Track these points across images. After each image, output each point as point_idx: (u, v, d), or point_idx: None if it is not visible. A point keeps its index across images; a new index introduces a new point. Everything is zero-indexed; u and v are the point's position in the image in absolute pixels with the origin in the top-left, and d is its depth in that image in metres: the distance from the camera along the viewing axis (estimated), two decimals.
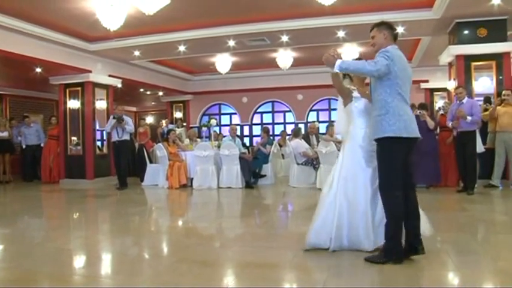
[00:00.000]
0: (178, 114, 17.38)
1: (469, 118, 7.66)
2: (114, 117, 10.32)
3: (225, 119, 17.20)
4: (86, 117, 11.78)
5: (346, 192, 4.04)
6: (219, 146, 10.45)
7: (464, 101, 7.95)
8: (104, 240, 5.26)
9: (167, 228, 6.12)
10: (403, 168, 3.77)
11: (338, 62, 3.69)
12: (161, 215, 7.57)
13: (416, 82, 14.76)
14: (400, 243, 3.68)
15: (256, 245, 4.72)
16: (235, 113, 16.98)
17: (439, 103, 13.40)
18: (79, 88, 11.81)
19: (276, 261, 3.98)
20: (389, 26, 3.90)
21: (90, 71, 11.63)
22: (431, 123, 8.63)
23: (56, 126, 12.45)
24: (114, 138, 10.33)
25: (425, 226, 3.93)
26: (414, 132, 3.77)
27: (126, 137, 10.40)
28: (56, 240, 5.16)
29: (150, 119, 22.20)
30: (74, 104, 11.90)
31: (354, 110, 4.19)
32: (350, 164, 4.10)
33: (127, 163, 10.68)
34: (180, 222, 6.63)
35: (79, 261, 4.29)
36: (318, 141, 10.08)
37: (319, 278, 3.56)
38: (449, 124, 8.16)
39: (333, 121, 14.55)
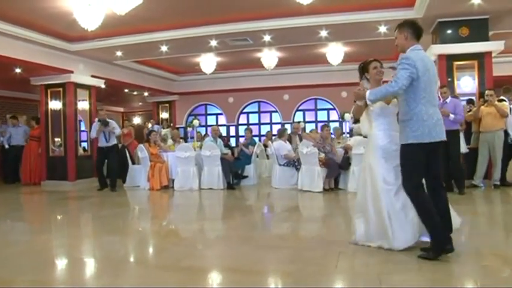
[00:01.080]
0: (164, 115, 17.27)
1: (451, 116, 7.61)
2: (99, 120, 10.18)
3: (211, 120, 17.10)
4: (67, 118, 11.60)
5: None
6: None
7: (448, 100, 7.91)
8: (80, 244, 5.13)
9: (146, 230, 6.02)
10: (428, 169, 3.91)
11: (367, 95, 3.92)
12: (140, 217, 7.47)
13: None
14: (443, 236, 3.75)
15: (236, 247, 4.63)
16: (221, 114, 16.89)
17: None
18: (60, 89, 11.63)
19: (257, 266, 3.92)
20: (410, 25, 3.98)
21: (71, 72, 11.46)
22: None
23: (38, 127, 12.29)
24: (102, 143, 10.19)
25: (455, 220, 4.09)
26: (438, 136, 3.85)
27: (115, 141, 10.28)
28: (32, 244, 5.06)
29: (137, 120, 22.09)
30: (55, 104, 11.72)
31: (371, 113, 4.29)
32: (372, 163, 4.21)
33: (117, 165, 10.52)
34: (159, 225, 6.50)
35: (57, 265, 4.19)
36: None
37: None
38: None
39: (325, 121, 14.54)
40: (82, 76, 11.81)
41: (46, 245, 4.98)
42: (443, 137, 3.86)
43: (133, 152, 11.33)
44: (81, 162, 11.68)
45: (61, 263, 4.30)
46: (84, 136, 12.34)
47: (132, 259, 4.43)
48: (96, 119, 10.48)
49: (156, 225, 6.43)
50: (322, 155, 8.76)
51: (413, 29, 3.95)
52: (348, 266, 3.80)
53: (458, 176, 7.86)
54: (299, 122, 12.68)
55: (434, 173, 3.96)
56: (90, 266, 4.22)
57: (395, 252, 3.94)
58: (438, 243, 3.72)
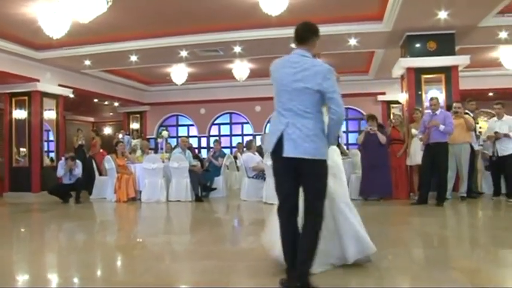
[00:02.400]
0: (135, 125, 17.04)
1: (441, 126, 7.65)
2: (66, 158, 9.95)
3: (182, 131, 16.94)
4: (33, 127, 11.30)
5: None
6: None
7: (437, 112, 7.95)
8: (38, 260, 4.86)
9: (108, 244, 5.80)
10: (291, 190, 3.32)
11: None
12: (103, 231, 7.21)
13: (373, 94, 14.95)
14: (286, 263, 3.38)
15: (200, 262, 4.47)
16: (192, 125, 16.74)
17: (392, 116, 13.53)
18: (26, 97, 11.35)
19: (221, 281, 3.79)
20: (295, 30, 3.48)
21: (37, 80, 11.19)
22: (382, 139, 8.62)
23: None
24: (65, 181, 9.92)
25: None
26: (270, 148, 3.33)
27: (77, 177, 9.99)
28: None
29: (108, 130, 21.74)
30: (20, 114, 11.41)
31: None
32: None
33: (83, 177, 10.23)
34: (122, 238, 6.30)
35: (12, 283, 3.95)
36: None
37: None
38: (419, 137, 8.10)
39: None
40: (49, 85, 11.54)
41: (1, 261, 4.74)
42: (285, 153, 3.19)
43: (101, 163, 11.08)
44: (47, 173, 11.33)
45: (17, 280, 4.08)
46: (51, 146, 12.04)
47: (91, 274, 4.24)
48: (63, 158, 10.24)
49: (118, 239, 6.23)
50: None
51: (295, 34, 3.48)
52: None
53: (442, 188, 7.86)
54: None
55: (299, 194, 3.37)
56: (45, 282, 4.01)
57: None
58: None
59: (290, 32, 9.49)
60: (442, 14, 7.97)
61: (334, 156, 3.97)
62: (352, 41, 9.62)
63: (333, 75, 3.25)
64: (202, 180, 9.91)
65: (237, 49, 10.07)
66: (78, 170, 9.86)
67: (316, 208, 3.25)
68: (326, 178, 3.30)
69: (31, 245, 5.89)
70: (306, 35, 3.43)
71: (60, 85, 11.95)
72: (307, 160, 3.17)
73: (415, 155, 8.60)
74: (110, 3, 6.31)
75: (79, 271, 4.34)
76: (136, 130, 16.53)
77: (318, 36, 3.49)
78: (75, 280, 4.04)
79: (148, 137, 16.39)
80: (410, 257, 4.54)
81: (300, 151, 3.17)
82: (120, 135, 14.67)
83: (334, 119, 3.24)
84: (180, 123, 17.12)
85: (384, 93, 14.86)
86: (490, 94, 14.75)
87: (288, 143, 3.20)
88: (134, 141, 14.47)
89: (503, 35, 9.29)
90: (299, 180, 3.28)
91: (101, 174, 10.83)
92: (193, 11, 8.28)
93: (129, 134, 15.69)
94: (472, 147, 8.48)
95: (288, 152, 3.19)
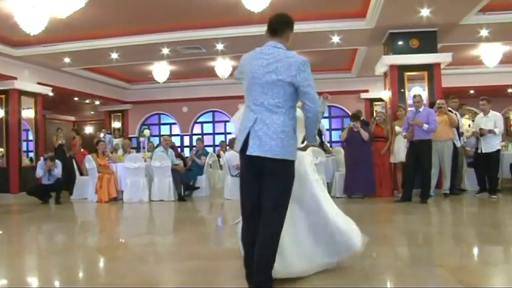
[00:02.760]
0: (116, 124, 16.81)
1: (425, 126, 7.66)
2: (45, 159, 9.73)
3: (164, 129, 16.76)
4: (10, 127, 11.06)
5: None
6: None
7: (421, 109, 7.94)
8: (16, 263, 4.70)
9: (89, 246, 5.64)
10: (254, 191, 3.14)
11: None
12: (84, 232, 7.04)
13: (356, 92, 14.97)
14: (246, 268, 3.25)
15: (183, 262, 4.37)
16: (175, 123, 16.58)
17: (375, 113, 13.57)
18: (3, 96, 11.09)
19: (204, 281, 3.70)
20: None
21: (15, 78, 10.94)
22: (365, 135, 8.60)
23: None
24: (45, 182, 9.67)
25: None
26: (238, 148, 3.17)
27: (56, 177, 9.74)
28: None
29: (89, 129, 21.45)
30: None
31: None
32: None
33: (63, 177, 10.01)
34: (103, 239, 6.15)
35: None
36: None
37: None
38: (403, 135, 8.09)
39: None
40: (27, 83, 11.29)
41: None
42: (249, 151, 3.02)
43: (82, 163, 10.87)
44: (26, 174, 11.09)
45: None
46: (31, 146, 11.79)
47: (71, 277, 4.11)
48: (42, 158, 10.02)
49: (100, 240, 6.08)
50: None
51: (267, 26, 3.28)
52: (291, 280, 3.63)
53: (426, 185, 7.89)
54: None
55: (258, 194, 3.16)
56: (24, 285, 3.86)
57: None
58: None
59: None
60: (425, 12, 8.00)
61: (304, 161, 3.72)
62: (335, 38, 9.60)
63: (308, 68, 3.07)
64: (185, 180, 9.78)
65: (219, 46, 9.97)
66: (58, 171, 9.65)
67: (273, 223, 3.03)
68: (289, 184, 3.11)
69: (9, 247, 5.71)
70: (279, 26, 3.23)
71: (39, 83, 11.72)
72: (272, 160, 2.98)
73: (399, 152, 8.63)
74: None
75: (59, 274, 4.22)
76: (118, 129, 16.31)
77: (292, 29, 3.31)
78: (56, 283, 3.93)
79: (130, 135, 16.18)
80: (395, 255, 4.51)
81: (264, 149, 2.98)
82: (102, 134, 14.47)
83: (309, 117, 3.11)
84: (162, 121, 16.95)
85: (367, 91, 14.90)
86: (471, 92, 14.90)
87: (254, 141, 3.01)
88: (116, 140, 14.27)
89: (483, 32, 9.38)
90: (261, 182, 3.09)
91: (81, 174, 10.63)
92: (174, 8, 8.17)
93: (110, 133, 15.46)
94: (454, 144, 8.51)
95: (252, 149, 3.00)
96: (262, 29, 8.88)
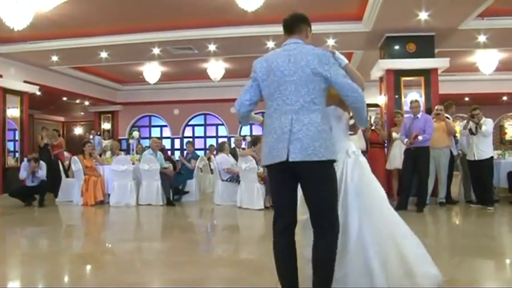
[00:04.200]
0: (106, 126, 16.50)
1: (420, 138, 7.45)
2: (28, 160, 9.40)
3: (155, 131, 16.50)
4: None
5: None
6: None
7: (419, 115, 7.75)
8: None
9: (70, 252, 5.34)
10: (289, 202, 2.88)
11: None
12: (67, 237, 6.73)
13: None
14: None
15: (175, 271, 4.13)
16: (166, 126, 16.31)
17: (372, 119, 13.34)
18: None
19: None
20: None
21: (0, 76, 10.60)
22: (361, 143, 8.38)
23: None
24: (28, 184, 9.35)
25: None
26: (279, 155, 2.73)
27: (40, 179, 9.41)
28: None
29: (79, 130, 21.14)
30: None
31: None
32: None
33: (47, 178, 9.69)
34: (86, 246, 5.87)
35: None
36: None
37: None
38: (404, 141, 7.80)
39: None
40: (12, 81, 10.96)
41: None
42: (291, 157, 2.67)
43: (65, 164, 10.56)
44: (10, 175, 10.75)
45: None
46: (17, 146, 11.45)
47: (52, 284, 3.86)
48: (26, 159, 9.71)
49: (83, 247, 5.80)
50: (261, 170, 8.27)
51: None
52: None
53: (423, 193, 7.68)
54: (245, 136, 12.32)
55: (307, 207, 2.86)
56: None
57: None
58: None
59: (267, 29, 9.24)
60: (423, 15, 7.80)
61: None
62: (330, 41, 9.38)
63: (335, 61, 2.87)
64: (174, 183, 9.50)
65: (212, 47, 9.71)
66: (42, 172, 9.32)
67: (329, 222, 2.78)
68: (336, 186, 2.87)
69: None
70: (295, 23, 2.98)
71: (25, 81, 11.38)
72: (315, 163, 2.68)
73: (395, 159, 8.41)
74: None
75: (40, 280, 4.01)
76: (108, 130, 16.00)
77: (309, 25, 3.04)
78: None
79: (120, 137, 15.89)
80: None
81: (308, 152, 2.66)
82: (91, 136, 14.18)
83: (358, 107, 2.85)
84: (153, 123, 16.69)
85: None
86: (466, 99, 14.78)
87: (293, 145, 2.68)
88: (105, 142, 13.99)
89: (481, 38, 9.22)
90: (301, 188, 2.82)
91: (67, 176, 10.30)
92: (165, 6, 7.89)
93: (100, 135, 15.17)
94: (451, 152, 8.31)
95: (295, 155, 2.67)
96: (256, 30, 8.84)
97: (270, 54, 2.94)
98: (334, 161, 2.79)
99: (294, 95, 2.75)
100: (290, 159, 2.67)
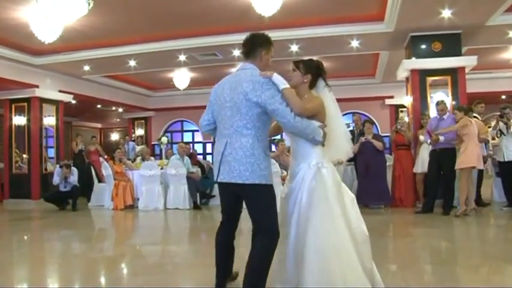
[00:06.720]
0: (139, 131, 16.87)
1: (441, 138, 7.33)
2: (60, 166, 9.80)
3: (187, 136, 16.74)
4: (32, 134, 11.18)
5: None
6: None
7: (445, 116, 7.61)
8: (23, 270, 4.61)
9: (99, 255, 5.48)
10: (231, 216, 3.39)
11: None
12: (96, 240, 6.93)
13: (381, 98, 14.57)
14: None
15: (203, 273, 4.12)
16: (197, 130, 16.51)
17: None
18: (25, 104, 11.23)
19: None
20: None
21: (36, 86, 11.06)
22: (378, 145, 8.30)
23: None
24: (61, 189, 9.77)
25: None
26: (223, 176, 3.09)
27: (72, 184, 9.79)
28: None
29: (115, 136, 21.67)
30: (19, 120, 11.30)
31: None
32: None
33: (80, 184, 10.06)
34: (114, 249, 6.07)
35: None
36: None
37: None
38: (428, 141, 7.70)
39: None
40: (48, 91, 11.40)
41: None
42: (219, 178, 3.04)
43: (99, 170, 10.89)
44: (48, 180, 11.17)
45: None
46: (51, 153, 11.89)
47: (85, 283, 4.08)
48: (58, 165, 10.11)
49: (111, 250, 5.99)
50: (285, 173, 8.26)
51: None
52: None
53: (449, 196, 7.51)
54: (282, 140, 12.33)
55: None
56: None
57: None
58: None
59: (290, 34, 9.23)
60: (446, 13, 7.60)
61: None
62: (354, 43, 9.30)
63: (273, 86, 2.97)
64: (201, 188, 9.64)
65: (236, 53, 9.78)
66: (74, 178, 9.68)
67: (266, 229, 3.03)
68: (270, 205, 3.02)
69: (28, 252, 5.68)
70: (251, 49, 3.19)
71: (60, 91, 11.82)
72: (245, 185, 2.93)
73: (423, 162, 8.17)
74: (91, 5, 6.06)
75: (71, 281, 4.20)
76: (141, 136, 16.36)
77: (267, 47, 3.18)
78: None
79: (153, 143, 16.23)
80: (405, 275, 4.16)
81: (233, 175, 2.95)
82: (126, 142, 14.60)
83: (293, 132, 3.11)
84: (185, 128, 16.93)
85: (392, 97, 14.46)
86: (503, 97, 14.29)
87: (223, 166, 3.00)
88: (139, 148, 14.31)
89: None
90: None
91: (100, 181, 10.63)
92: (187, 14, 8.03)
93: (133, 140, 15.54)
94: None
95: (222, 176, 3.01)
96: (279, 34, 8.86)
97: (224, 80, 3.20)
98: (262, 184, 2.93)
99: (230, 120, 3.01)
100: (218, 180, 3.03)
